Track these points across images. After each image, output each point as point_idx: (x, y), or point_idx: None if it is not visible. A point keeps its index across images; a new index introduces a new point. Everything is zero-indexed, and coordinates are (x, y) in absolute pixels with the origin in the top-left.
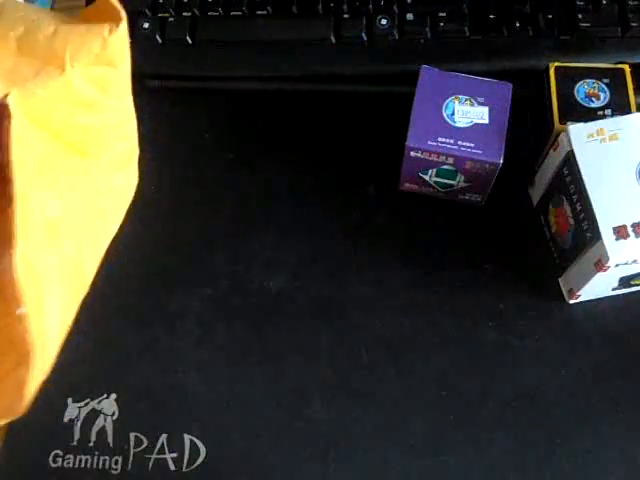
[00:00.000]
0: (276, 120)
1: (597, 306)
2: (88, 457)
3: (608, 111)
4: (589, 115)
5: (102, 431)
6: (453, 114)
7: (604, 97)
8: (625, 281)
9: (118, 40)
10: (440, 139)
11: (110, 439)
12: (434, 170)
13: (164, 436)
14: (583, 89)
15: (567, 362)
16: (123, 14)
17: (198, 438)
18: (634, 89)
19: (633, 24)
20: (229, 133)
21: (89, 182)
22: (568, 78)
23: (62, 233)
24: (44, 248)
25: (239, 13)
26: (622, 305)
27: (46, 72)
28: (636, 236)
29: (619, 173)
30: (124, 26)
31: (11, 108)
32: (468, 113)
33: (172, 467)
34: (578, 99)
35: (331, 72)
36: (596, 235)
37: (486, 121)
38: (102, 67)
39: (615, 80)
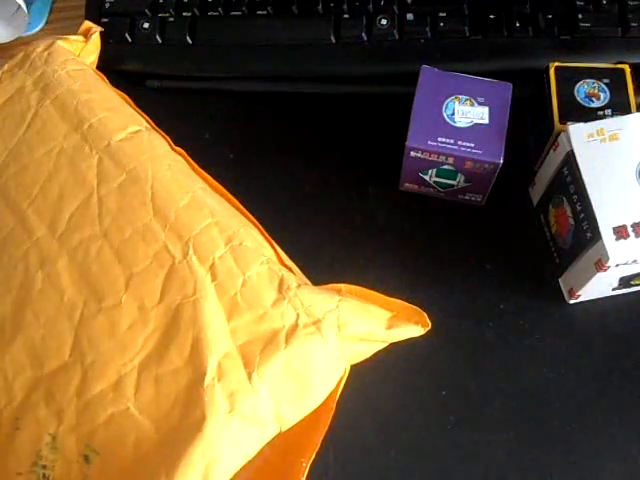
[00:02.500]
0: (276, 120)
1: (597, 306)
2: None
3: (608, 111)
4: (589, 115)
5: None
6: (453, 114)
7: (604, 97)
8: (625, 281)
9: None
10: (440, 139)
11: None
12: (434, 170)
13: None
14: (583, 89)
15: (567, 362)
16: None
17: None
18: (634, 89)
19: (633, 24)
20: (229, 133)
21: None
22: (568, 78)
23: None
24: None
25: (239, 13)
26: (622, 305)
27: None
28: (636, 236)
29: (619, 173)
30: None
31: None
32: (468, 113)
33: None
34: (578, 99)
35: (331, 72)
36: (596, 235)
37: (486, 121)
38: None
39: (615, 80)
